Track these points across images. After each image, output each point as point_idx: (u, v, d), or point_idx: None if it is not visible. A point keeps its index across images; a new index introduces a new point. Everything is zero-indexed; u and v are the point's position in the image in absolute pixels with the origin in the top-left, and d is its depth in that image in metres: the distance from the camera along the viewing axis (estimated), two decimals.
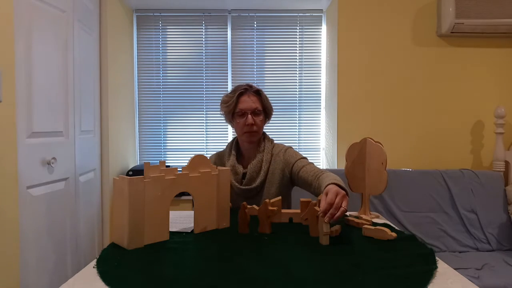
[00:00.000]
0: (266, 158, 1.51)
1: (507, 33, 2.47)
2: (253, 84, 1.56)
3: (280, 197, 1.30)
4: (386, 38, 2.57)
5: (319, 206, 1.12)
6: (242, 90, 1.50)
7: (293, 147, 1.61)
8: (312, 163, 1.49)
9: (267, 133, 1.63)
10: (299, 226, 1.26)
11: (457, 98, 2.60)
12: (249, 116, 1.47)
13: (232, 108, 1.50)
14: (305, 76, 2.90)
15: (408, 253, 1.00)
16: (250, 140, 1.51)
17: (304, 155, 1.55)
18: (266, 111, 1.54)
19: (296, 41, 2.89)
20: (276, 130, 2.90)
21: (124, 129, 2.71)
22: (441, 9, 2.48)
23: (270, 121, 2.91)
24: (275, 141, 1.62)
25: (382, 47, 2.57)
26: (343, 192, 1.11)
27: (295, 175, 1.48)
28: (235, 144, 1.60)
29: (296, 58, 2.90)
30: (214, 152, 1.67)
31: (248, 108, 1.48)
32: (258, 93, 1.52)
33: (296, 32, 2.89)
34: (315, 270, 0.88)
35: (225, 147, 1.64)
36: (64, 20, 1.86)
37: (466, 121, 2.61)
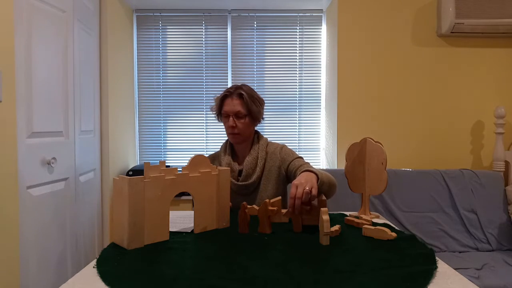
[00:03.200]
0: (261, 155, 1.55)
1: (507, 33, 2.47)
2: (245, 84, 1.58)
3: (280, 197, 1.31)
4: (386, 38, 2.57)
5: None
6: (227, 93, 1.54)
7: (291, 146, 1.64)
8: (307, 163, 1.52)
9: (267, 132, 1.65)
10: None
11: (457, 98, 2.60)
12: (231, 118, 1.51)
13: (218, 110, 1.57)
14: (305, 76, 2.90)
15: (408, 253, 1.00)
16: (234, 141, 1.57)
17: (302, 155, 1.59)
18: (252, 115, 1.53)
19: (296, 41, 2.89)
20: (276, 130, 2.89)
21: (124, 129, 2.71)
22: (441, 9, 2.48)
23: (270, 121, 2.91)
24: (269, 140, 1.66)
25: (382, 47, 2.57)
26: (303, 180, 1.18)
27: (291, 174, 1.52)
28: (229, 143, 1.63)
29: (296, 58, 2.90)
30: (213, 153, 1.70)
31: (230, 111, 1.52)
32: (241, 96, 1.51)
33: (296, 32, 2.89)
34: (315, 270, 0.88)
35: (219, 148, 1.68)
36: (64, 20, 1.86)
37: (466, 121, 2.61)
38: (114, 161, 2.51)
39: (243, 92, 1.51)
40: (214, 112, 1.61)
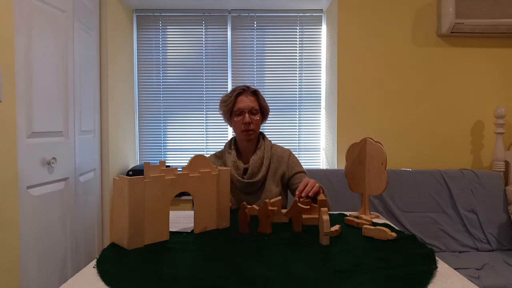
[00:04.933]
0: (266, 155, 1.58)
1: (507, 33, 2.47)
2: (251, 85, 1.63)
3: (280, 197, 1.32)
4: (386, 38, 2.57)
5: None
6: (240, 91, 1.57)
7: (291, 146, 1.66)
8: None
9: (267, 132, 1.67)
10: None
11: (457, 98, 2.60)
12: (246, 115, 1.53)
13: (231, 107, 1.56)
14: (305, 76, 2.90)
15: (408, 253, 1.00)
16: (248, 138, 1.57)
17: (302, 155, 1.63)
18: (262, 111, 1.60)
19: (296, 41, 2.89)
20: (276, 130, 2.89)
21: (124, 129, 2.71)
22: (441, 9, 2.48)
23: (270, 121, 2.92)
24: (272, 142, 1.69)
25: (382, 47, 2.57)
26: (314, 180, 1.36)
27: (292, 186, 1.60)
28: (233, 142, 1.65)
29: (296, 58, 2.90)
30: (213, 153, 1.70)
31: (245, 107, 1.54)
32: (255, 93, 1.58)
33: (296, 32, 2.89)
34: (315, 270, 0.88)
35: (223, 147, 1.70)
36: (64, 20, 1.86)
37: (466, 121, 2.61)
38: (114, 161, 2.51)
39: (257, 89, 1.57)
40: (221, 112, 1.61)
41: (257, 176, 1.54)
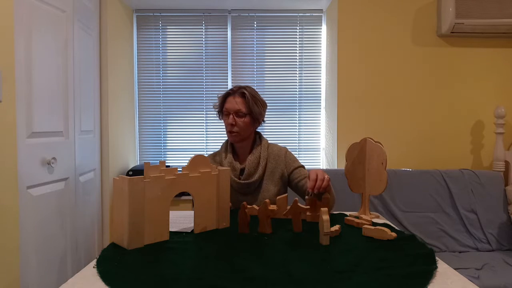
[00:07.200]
0: (263, 155, 1.57)
1: (507, 33, 2.47)
2: (249, 86, 1.60)
3: (286, 194, 1.33)
4: (386, 38, 2.57)
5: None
6: (230, 92, 1.57)
7: (291, 146, 1.65)
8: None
9: (267, 132, 1.66)
10: None
11: (457, 98, 2.60)
12: (231, 116, 1.53)
13: (219, 108, 1.60)
14: (305, 76, 2.90)
15: (408, 253, 1.00)
16: (232, 140, 1.57)
17: (302, 155, 1.61)
18: (252, 115, 1.54)
19: (296, 41, 2.89)
20: (276, 130, 2.89)
21: (124, 129, 2.71)
22: (441, 9, 2.49)
23: (270, 121, 2.92)
24: (269, 141, 1.68)
25: (382, 47, 2.57)
26: (322, 170, 1.34)
27: (293, 181, 1.58)
28: (230, 143, 1.64)
29: (296, 58, 2.90)
30: (211, 153, 1.70)
31: (230, 108, 1.54)
32: (244, 95, 1.53)
33: (296, 32, 2.89)
34: (315, 270, 0.88)
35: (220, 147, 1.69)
36: (64, 20, 1.86)
37: (466, 121, 2.61)
38: (114, 161, 2.51)
39: (245, 92, 1.53)
40: (216, 110, 1.63)
41: (253, 177, 1.54)
